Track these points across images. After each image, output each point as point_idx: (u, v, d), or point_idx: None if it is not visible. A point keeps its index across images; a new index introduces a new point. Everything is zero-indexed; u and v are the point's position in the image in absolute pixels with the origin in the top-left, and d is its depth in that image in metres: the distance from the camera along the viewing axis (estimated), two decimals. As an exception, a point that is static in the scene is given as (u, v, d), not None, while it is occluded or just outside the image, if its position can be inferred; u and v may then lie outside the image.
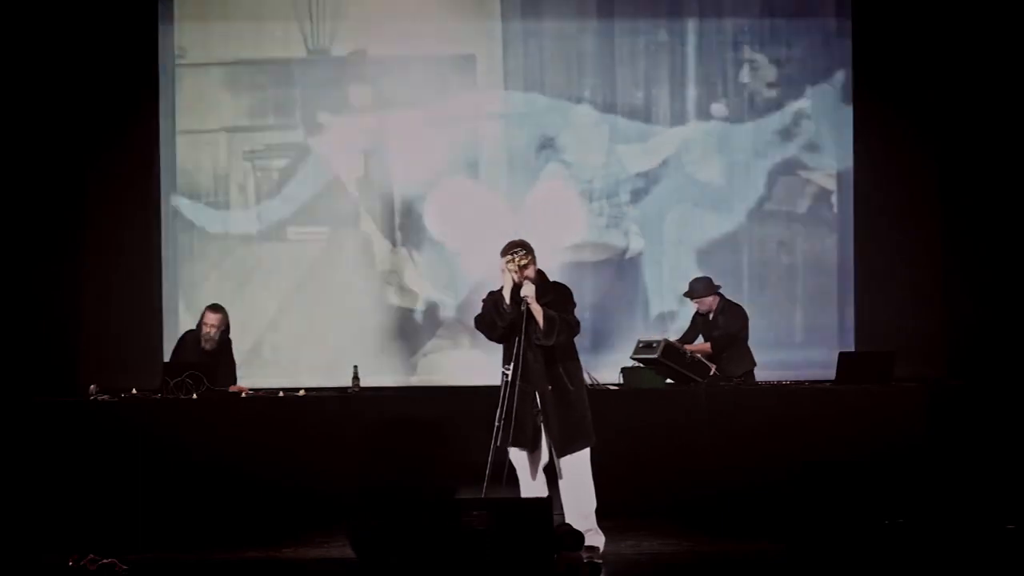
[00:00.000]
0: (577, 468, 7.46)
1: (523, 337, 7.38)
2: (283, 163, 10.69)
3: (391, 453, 8.61)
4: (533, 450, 7.46)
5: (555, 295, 7.54)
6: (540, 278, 7.57)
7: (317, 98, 10.69)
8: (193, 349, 9.10)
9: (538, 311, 7.39)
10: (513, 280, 7.45)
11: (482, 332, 7.67)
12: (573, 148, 10.74)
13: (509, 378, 7.39)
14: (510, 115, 10.72)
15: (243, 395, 8.81)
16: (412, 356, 10.66)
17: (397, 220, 10.70)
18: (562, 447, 7.36)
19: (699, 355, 9.01)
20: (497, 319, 7.47)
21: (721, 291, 9.49)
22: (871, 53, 10.73)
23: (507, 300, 7.44)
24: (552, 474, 7.50)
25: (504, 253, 7.48)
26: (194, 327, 9.29)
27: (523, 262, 7.43)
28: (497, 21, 10.71)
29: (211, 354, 9.09)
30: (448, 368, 10.66)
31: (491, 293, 7.60)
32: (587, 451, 7.49)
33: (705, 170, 10.75)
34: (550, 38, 10.73)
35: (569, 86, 10.74)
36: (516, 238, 7.62)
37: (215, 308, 9.21)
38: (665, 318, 10.60)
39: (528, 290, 7.36)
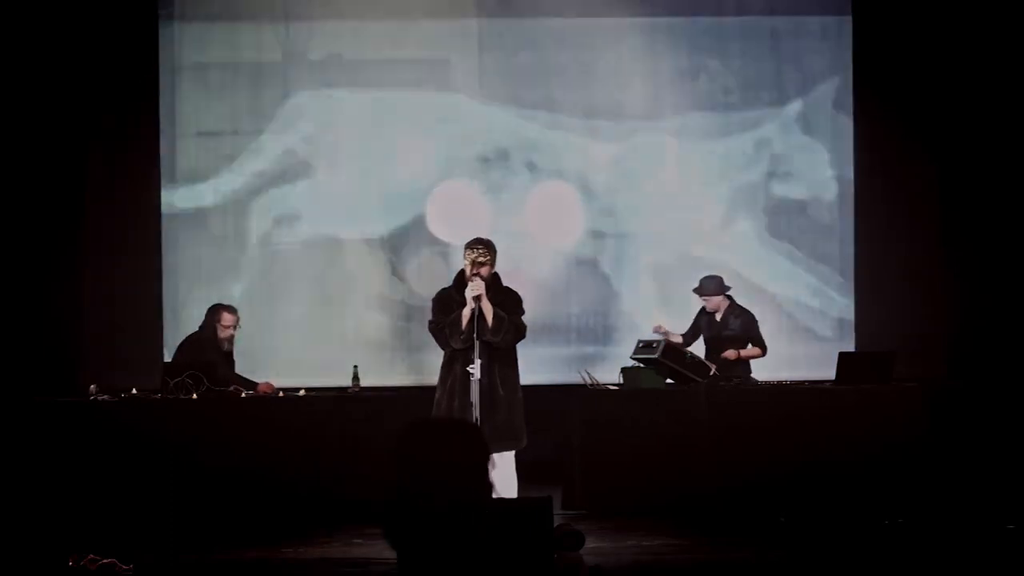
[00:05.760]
0: (501, 468, 7.87)
1: (475, 333, 7.77)
2: (280, 167, 10.67)
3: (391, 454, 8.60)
4: None
5: (505, 297, 7.91)
6: (494, 280, 7.98)
7: (314, 101, 10.66)
8: (207, 350, 9.06)
9: (488, 309, 7.81)
10: (466, 273, 7.93)
11: (437, 338, 8.16)
12: (570, 150, 10.69)
13: (475, 376, 7.76)
14: (494, 117, 10.67)
15: (279, 395, 8.86)
16: (412, 356, 10.64)
17: (394, 221, 10.67)
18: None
19: (701, 358, 9.02)
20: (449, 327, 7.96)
21: (731, 294, 9.48)
22: (871, 53, 10.72)
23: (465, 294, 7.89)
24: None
25: (467, 247, 8.04)
26: (198, 329, 9.27)
27: (480, 259, 7.78)
28: (473, 21, 10.67)
29: (229, 354, 9.14)
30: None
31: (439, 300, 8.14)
32: (512, 453, 7.84)
33: (699, 170, 10.72)
34: (529, 39, 10.67)
35: (551, 88, 10.67)
36: (483, 237, 8.15)
37: (231, 309, 9.21)
38: (662, 319, 10.58)
39: (474, 289, 7.72)
